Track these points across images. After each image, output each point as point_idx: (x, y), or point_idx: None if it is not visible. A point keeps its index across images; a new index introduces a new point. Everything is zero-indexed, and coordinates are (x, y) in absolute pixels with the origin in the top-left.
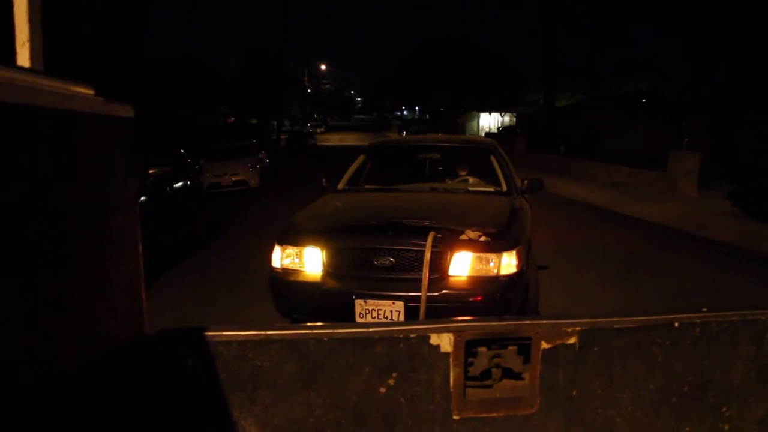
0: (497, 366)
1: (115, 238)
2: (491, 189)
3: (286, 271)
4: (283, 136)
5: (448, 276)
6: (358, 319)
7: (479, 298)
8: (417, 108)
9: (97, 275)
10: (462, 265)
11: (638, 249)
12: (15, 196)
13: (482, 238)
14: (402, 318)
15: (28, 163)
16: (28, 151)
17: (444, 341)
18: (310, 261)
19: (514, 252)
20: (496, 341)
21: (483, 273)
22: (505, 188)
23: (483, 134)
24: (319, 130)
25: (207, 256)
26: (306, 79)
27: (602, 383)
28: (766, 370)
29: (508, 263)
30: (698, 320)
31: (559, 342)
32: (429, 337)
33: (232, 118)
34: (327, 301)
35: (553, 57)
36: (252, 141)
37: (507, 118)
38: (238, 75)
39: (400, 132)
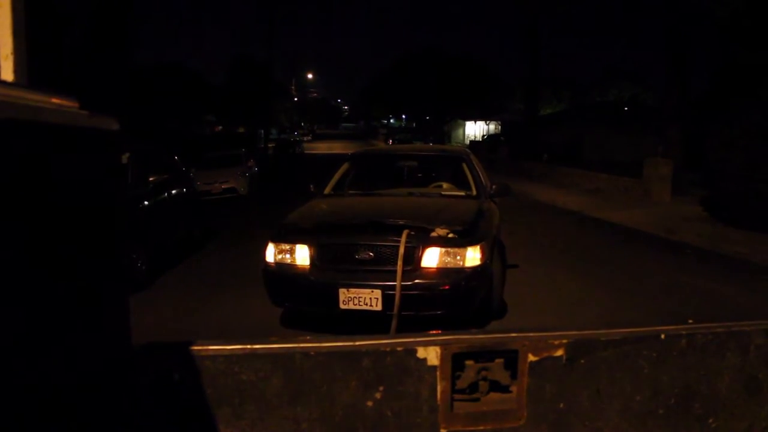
0: (484, 379)
1: (100, 250)
2: (462, 193)
3: (278, 265)
4: (270, 145)
5: (420, 267)
6: (342, 306)
7: (447, 287)
8: (404, 116)
9: (81, 288)
10: (432, 259)
11: (606, 250)
12: None
13: (450, 235)
14: (380, 304)
15: (10, 178)
16: (10, 166)
17: (431, 354)
18: (299, 256)
19: (478, 247)
20: (483, 354)
21: (450, 265)
22: (474, 192)
23: (468, 142)
24: (306, 139)
25: (202, 258)
26: (293, 87)
27: (589, 395)
28: (752, 381)
29: (472, 257)
30: (684, 332)
31: (546, 354)
32: (416, 351)
33: (220, 127)
34: (314, 291)
35: (536, 67)
36: (241, 150)
37: (492, 127)
38: (226, 84)
39: (387, 140)
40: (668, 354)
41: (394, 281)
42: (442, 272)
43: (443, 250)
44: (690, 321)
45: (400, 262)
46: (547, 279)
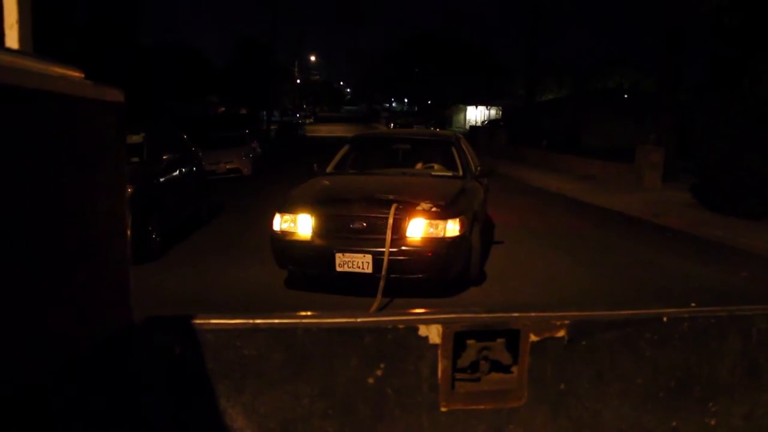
0: (485, 358)
1: (102, 223)
2: (449, 173)
3: (283, 233)
4: (272, 127)
5: (405, 236)
6: (338, 269)
7: (429, 254)
8: (406, 100)
9: (83, 261)
10: (417, 229)
11: (590, 231)
12: None
13: (433, 209)
14: (371, 267)
15: (13, 145)
16: (13, 133)
17: (432, 333)
18: (302, 225)
19: (457, 220)
20: (484, 333)
21: (432, 235)
22: (461, 173)
23: (468, 127)
24: (308, 121)
25: (210, 232)
26: (296, 69)
27: (590, 377)
28: (753, 366)
29: (452, 228)
30: (686, 315)
31: (547, 335)
32: (417, 329)
33: (222, 109)
34: (314, 255)
35: (534, 53)
36: (245, 131)
37: (493, 112)
38: (229, 65)
39: (388, 124)
40: (670, 337)
41: (384, 248)
42: (425, 241)
43: (426, 221)
44: (693, 304)
45: (388, 232)
46: (530, 255)
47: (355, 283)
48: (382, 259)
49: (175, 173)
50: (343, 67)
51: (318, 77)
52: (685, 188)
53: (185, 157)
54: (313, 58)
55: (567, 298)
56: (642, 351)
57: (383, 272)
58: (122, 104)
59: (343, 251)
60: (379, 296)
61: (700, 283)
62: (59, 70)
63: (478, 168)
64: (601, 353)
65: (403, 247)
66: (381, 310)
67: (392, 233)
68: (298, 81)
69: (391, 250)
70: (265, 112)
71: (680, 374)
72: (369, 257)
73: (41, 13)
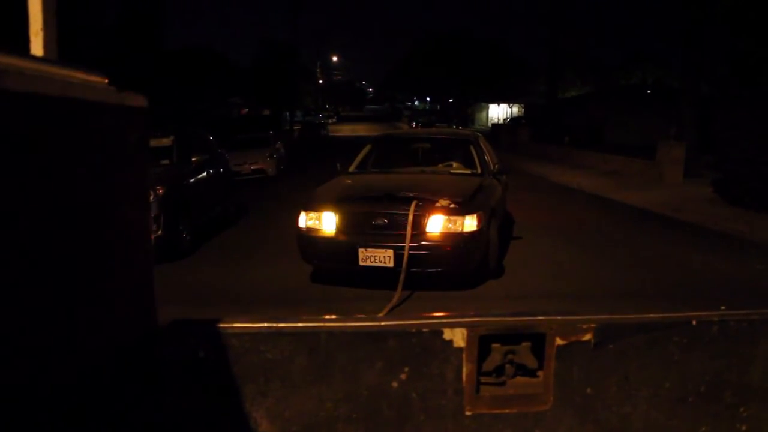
0: (511, 362)
1: (126, 229)
2: (468, 171)
3: (308, 230)
4: (295, 127)
5: (425, 232)
6: (361, 263)
7: (448, 248)
8: (428, 99)
9: (107, 267)
10: (436, 225)
11: (610, 227)
12: (24, 186)
13: (451, 205)
14: (392, 262)
15: (38, 152)
16: (38, 141)
17: (457, 336)
18: (326, 222)
19: (475, 215)
20: (509, 337)
21: (451, 230)
22: (479, 171)
23: (491, 125)
24: (330, 121)
25: (237, 232)
26: (318, 70)
27: (617, 381)
28: None
29: (470, 223)
30: (716, 318)
31: (574, 338)
32: (442, 332)
33: (246, 110)
34: (338, 251)
35: (556, 51)
36: (269, 132)
37: (515, 109)
38: (252, 67)
39: (410, 123)
40: (699, 340)
41: (404, 243)
42: (444, 236)
43: (445, 217)
44: (723, 307)
45: (409, 228)
46: (548, 250)
47: (377, 277)
48: (403, 254)
49: (203, 174)
50: (365, 66)
51: (340, 77)
52: (707, 183)
53: (213, 159)
54: (335, 59)
55: (582, 291)
56: (671, 355)
57: (404, 266)
58: (145, 110)
59: (365, 247)
60: (399, 289)
61: (715, 277)
62: (83, 77)
63: (497, 165)
64: (629, 357)
65: (423, 242)
66: (402, 302)
67: (412, 229)
68: (321, 81)
69: (411, 245)
70: (288, 113)
71: (710, 378)
72: (390, 252)
73: (65, 17)
